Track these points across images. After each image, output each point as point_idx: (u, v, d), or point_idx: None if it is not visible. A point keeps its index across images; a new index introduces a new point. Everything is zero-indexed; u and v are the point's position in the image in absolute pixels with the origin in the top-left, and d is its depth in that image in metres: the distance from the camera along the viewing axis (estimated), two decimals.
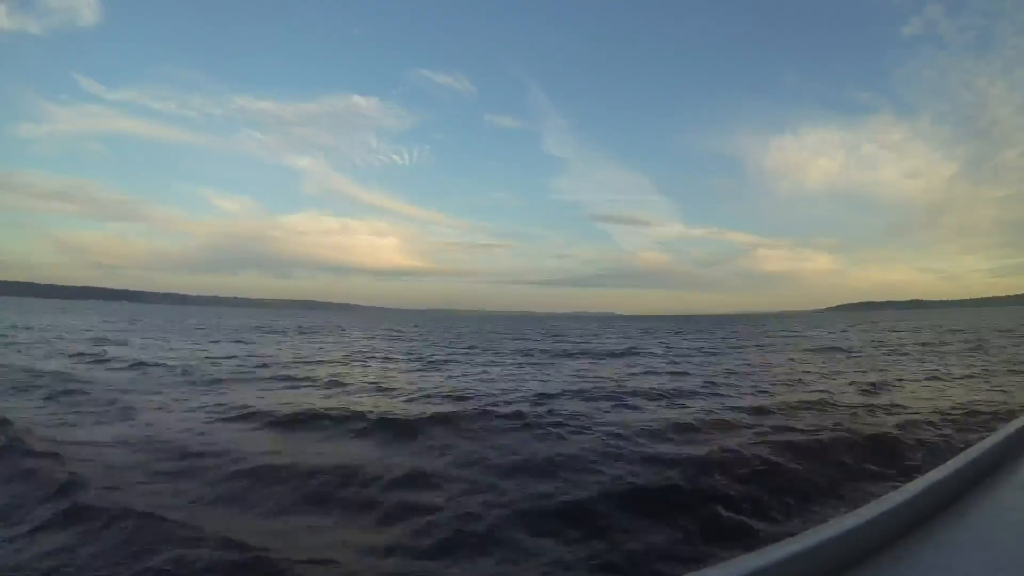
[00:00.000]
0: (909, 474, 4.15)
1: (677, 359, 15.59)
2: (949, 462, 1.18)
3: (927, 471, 1.15)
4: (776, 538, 0.93)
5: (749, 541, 3.25)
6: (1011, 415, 4.79)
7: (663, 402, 8.17)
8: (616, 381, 10.48)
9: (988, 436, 1.34)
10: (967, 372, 11.43)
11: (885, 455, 5.04)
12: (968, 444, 1.32)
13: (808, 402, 7.85)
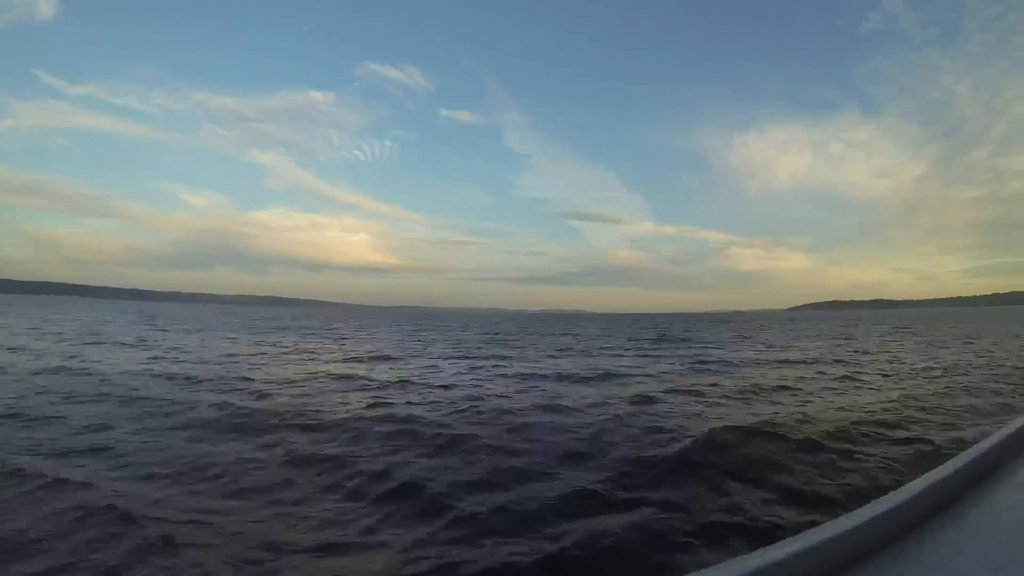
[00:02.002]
0: None
1: None
2: (949, 462, 1.18)
3: (927, 471, 1.15)
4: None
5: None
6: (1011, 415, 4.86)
7: None
8: None
9: (987, 436, 1.36)
10: None
11: None
12: (967, 444, 1.33)
13: None
